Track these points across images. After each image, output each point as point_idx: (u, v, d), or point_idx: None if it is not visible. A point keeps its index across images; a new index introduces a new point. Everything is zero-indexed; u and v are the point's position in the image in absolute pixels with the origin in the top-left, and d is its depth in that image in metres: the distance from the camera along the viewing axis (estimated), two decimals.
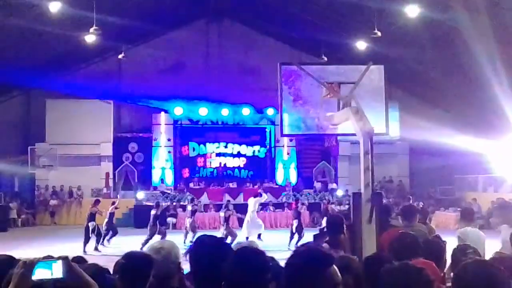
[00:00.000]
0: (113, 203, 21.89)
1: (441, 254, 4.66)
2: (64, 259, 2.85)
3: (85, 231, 19.36)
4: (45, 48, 27.29)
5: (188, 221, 21.43)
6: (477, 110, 26.79)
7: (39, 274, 2.78)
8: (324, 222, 20.17)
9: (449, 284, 4.22)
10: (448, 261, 5.02)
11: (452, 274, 2.93)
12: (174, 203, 28.06)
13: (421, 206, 20.24)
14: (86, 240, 19.24)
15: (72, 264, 2.88)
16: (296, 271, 2.73)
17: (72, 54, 29.87)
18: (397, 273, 3.00)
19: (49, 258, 2.84)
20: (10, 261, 3.98)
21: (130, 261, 3.67)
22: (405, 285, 2.89)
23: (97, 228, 19.77)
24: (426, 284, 2.93)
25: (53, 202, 30.00)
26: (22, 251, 14.43)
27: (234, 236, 18.68)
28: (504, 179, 27.26)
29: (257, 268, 2.98)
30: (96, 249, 19.27)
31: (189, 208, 22.24)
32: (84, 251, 18.22)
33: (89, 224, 19.53)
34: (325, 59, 26.90)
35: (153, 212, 19.91)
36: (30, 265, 2.79)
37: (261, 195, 22.94)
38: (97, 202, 21.19)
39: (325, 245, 6.67)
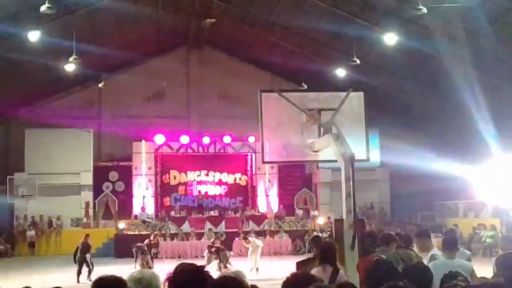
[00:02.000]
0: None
1: (428, 281, 4.58)
2: None
3: (80, 262, 19.06)
4: (24, 77, 27.12)
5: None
6: (457, 135, 27.06)
7: None
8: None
9: None
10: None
11: None
12: (155, 232, 27.80)
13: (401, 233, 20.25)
14: (79, 271, 18.97)
15: None
16: None
17: (51, 83, 29.74)
18: None
19: None
20: None
21: (100, 285, 3.58)
22: None
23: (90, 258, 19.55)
24: None
25: (31, 232, 29.54)
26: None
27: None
28: (484, 204, 27.43)
29: None
30: (89, 278, 18.96)
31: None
32: (78, 281, 18.20)
33: (86, 256, 19.26)
34: (305, 86, 27.10)
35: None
36: None
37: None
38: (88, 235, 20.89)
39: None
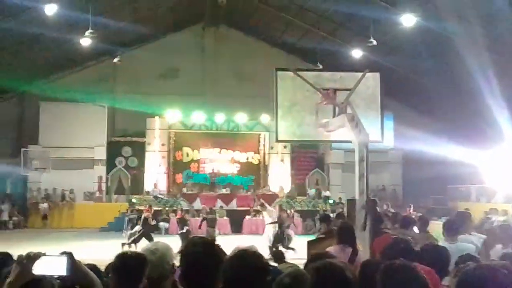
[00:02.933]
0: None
1: (445, 262, 4.58)
2: (69, 254, 2.81)
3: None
4: (40, 51, 27.23)
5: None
6: (470, 120, 26.88)
7: (42, 268, 2.73)
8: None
9: None
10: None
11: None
12: (167, 208, 27.99)
13: (419, 215, 20.20)
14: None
15: (77, 261, 2.83)
16: None
17: (67, 57, 29.86)
18: (396, 271, 3.04)
19: (53, 254, 2.80)
20: (6, 258, 3.95)
21: (123, 261, 3.63)
22: (399, 282, 2.93)
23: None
24: (420, 285, 2.96)
25: (44, 205, 29.83)
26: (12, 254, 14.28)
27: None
28: (496, 189, 27.31)
29: (255, 270, 2.98)
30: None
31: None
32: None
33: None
34: (321, 66, 26.92)
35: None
36: (33, 258, 2.75)
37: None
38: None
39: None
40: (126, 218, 21.35)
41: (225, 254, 3.28)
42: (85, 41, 24.36)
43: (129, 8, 27.00)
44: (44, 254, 2.79)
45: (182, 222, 20.88)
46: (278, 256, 10.05)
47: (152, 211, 21.31)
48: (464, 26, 20.33)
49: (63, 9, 21.14)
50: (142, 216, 19.86)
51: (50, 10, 20.60)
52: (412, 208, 26.35)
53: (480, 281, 2.54)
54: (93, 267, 3.54)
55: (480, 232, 8.76)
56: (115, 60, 30.19)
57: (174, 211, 27.49)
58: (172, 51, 31.77)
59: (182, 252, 3.24)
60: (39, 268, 2.74)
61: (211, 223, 20.74)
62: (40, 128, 30.73)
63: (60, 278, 2.75)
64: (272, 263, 9.61)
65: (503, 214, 24.65)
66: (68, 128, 30.27)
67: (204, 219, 21.83)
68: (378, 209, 12.80)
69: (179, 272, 3.21)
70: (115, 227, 26.53)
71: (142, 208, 22.14)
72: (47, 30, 23.10)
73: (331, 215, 25.64)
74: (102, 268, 4.62)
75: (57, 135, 30.13)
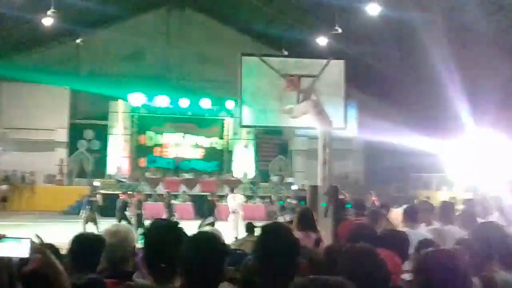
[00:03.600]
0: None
1: (404, 246, 4.68)
2: (30, 239, 2.79)
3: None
4: (1, 31, 26.62)
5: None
6: (433, 110, 27.23)
7: (3, 250, 2.70)
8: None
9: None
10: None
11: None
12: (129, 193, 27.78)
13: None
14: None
15: (39, 245, 2.80)
16: None
17: (29, 37, 29.25)
18: (356, 254, 3.09)
19: (14, 236, 2.78)
20: None
21: (80, 242, 3.62)
22: (360, 264, 2.97)
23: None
24: (379, 267, 3.03)
25: (3, 187, 29.33)
26: None
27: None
28: (457, 178, 27.79)
29: (213, 252, 3.00)
30: None
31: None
32: None
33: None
34: (286, 53, 26.94)
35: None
36: None
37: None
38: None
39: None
40: (86, 200, 21.11)
41: (186, 235, 3.28)
42: (47, 21, 23.85)
43: None
44: (4, 236, 2.76)
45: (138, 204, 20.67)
46: (250, 227, 10.67)
47: (141, 197, 21.21)
48: (428, 16, 20.54)
49: None
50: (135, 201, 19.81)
51: None
52: (373, 196, 26.67)
53: (437, 265, 2.58)
54: (50, 247, 3.50)
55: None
56: (78, 41, 29.70)
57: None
58: (137, 33, 31.39)
59: (145, 234, 3.24)
60: (2, 250, 2.71)
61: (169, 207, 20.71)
62: (1, 109, 30.16)
63: (22, 260, 2.72)
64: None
65: (463, 203, 25.06)
66: (30, 110, 29.77)
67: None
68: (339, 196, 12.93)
69: (141, 254, 3.20)
70: (76, 210, 26.22)
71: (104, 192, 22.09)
72: (7, 9, 22.59)
73: (294, 201, 25.91)
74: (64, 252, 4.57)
75: (18, 117, 29.63)
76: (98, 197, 20.88)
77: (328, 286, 2.14)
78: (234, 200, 20.53)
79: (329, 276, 2.23)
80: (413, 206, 8.03)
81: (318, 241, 6.51)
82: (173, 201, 22.36)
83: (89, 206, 20.28)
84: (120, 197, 20.41)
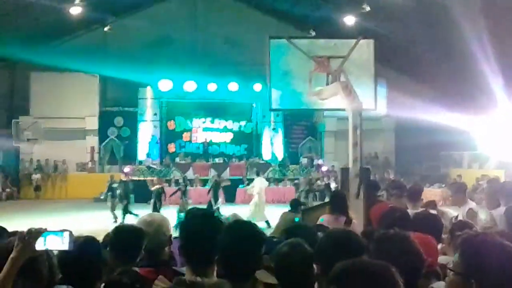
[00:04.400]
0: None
1: (438, 229, 4.61)
2: (69, 232, 2.82)
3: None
4: (29, 20, 26.85)
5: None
6: (464, 86, 26.83)
7: (48, 244, 2.73)
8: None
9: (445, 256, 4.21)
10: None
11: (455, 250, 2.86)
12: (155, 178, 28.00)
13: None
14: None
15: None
16: None
17: (57, 26, 29.45)
18: (389, 240, 3.03)
19: (54, 229, 2.80)
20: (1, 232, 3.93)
21: (120, 234, 3.63)
22: (394, 251, 2.92)
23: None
24: (413, 254, 3.00)
25: (37, 176, 29.77)
26: (4, 225, 14.24)
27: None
28: (488, 156, 27.43)
29: (251, 240, 3.01)
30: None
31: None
32: None
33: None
34: (313, 33, 26.73)
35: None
36: (35, 234, 2.74)
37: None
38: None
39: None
40: (108, 186, 21.35)
41: (222, 224, 3.27)
42: (75, 10, 24.06)
43: None
44: (45, 230, 2.79)
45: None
46: (296, 204, 10.83)
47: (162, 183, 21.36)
48: None
49: None
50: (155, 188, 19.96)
51: None
52: (390, 174, 26.57)
53: (488, 248, 2.52)
54: (91, 238, 3.51)
55: (471, 198, 8.79)
56: (106, 28, 29.85)
57: (168, 181, 27.49)
58: (163, 19, 31.44)
59: (181, 224, 3.23)
60: (41, 244, 2.74)
61: (184, 194, 20.57)
62: (31, 99, 30.53)
63: (61, 252, 2.75)
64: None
65: (487, 182, 24.70)
66: (59, 98, 30.09)
67: (178, 189, 21.45)
68: (371, 177, 12.84)
69: (177, 243, 3.19)
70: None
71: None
72: None
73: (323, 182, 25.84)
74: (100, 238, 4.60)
75: (48, 106, 29.95)
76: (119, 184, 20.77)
77: (372, 269, 2.11)
78: (261, 184, 20.32)
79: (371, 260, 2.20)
80: (416, 187, 7.95)
81: (347, 225, 6.48)
82: (189, 187, 22.30)
83: (110, 193, 20.51)
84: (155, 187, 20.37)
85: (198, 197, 26.55)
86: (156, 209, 18.81)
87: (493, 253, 2.48)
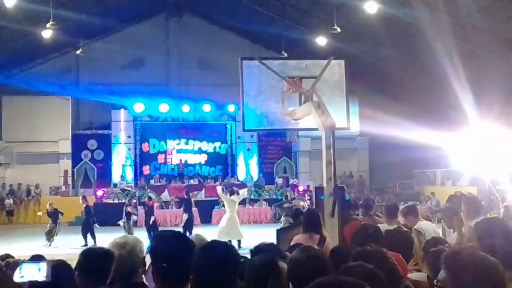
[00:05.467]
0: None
1: (409, 246, 4.67)
2: (47, 261, 2.81)
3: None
4: (1, 44, 26.67)
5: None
6: (436, 104, 27.21)
7: (26, 275, 2.71)
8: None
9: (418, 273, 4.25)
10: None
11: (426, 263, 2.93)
12: (135, 201, 27.78)
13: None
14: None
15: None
16: None
17: (28, 49, 29.28)
18: (366, 257, 3.07)
19: (34, 260, 2.79)
20: None
21: (88, 257, 3.61)
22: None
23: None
24: (392, 270, 3.03)
25: (9, 201, 29.36)
26: None
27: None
28: (461, 172, 27.73)
29: (227, 261, 2.98)
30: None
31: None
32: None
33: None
34: (286, 54, 26.93)
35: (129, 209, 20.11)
36: (13, 265, 2.72)
37: (236, 193, 21.06)
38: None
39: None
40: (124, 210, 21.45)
41: (195, 246, 3.26)
42: (47, 33, 23.93)
43: None
44: (23, 261, 2.77)
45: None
46: (297, 213, 10.67)
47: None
48: (428, 12, 20.51)
49: (23, 1, 20.72)
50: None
51: (10, 2, 20.13)
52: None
53: (473, 265, 2.58)
54: (62, 263, 3.49)
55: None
56: (78, 51, 29.70)
57: (142, 203, 27.26)
58: (136, 42, 31.42)
59: (152, 247, 3.22)
60: (19, 275, 2.71)
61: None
62: (3, 123, 30.21)
63: (37, 283, 2.74)
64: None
65: (447, 200, 24.99)
66: (32, 122, 29.80)
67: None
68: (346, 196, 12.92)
69: (151, 267, 3.18)
70: (82, 221, 26.24)
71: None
72: (6, 22, 22.65)
73: (302, 203, 25.86)
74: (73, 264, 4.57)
75: (20, 130, 29.63)
76: (132, 210, 21.44)
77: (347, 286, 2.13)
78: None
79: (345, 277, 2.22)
80: (392, 204, 8.25)
81: (321, 243, 6.51)
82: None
83: (126, 216, 20.64)
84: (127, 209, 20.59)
85: (174, 219, 26.54)
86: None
87: (478, 267, 2.56)
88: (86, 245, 19.37)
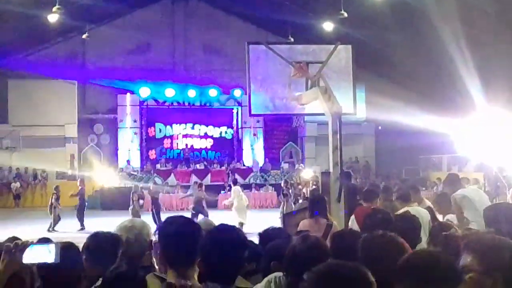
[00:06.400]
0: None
1: (418, 230, 4.68)
2: (57, 243, 2.81)
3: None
4: (7, 28, 26.63)
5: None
6: (442, 90, 27.09)
7: (31, 257, 2.71)
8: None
9: None
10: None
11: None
12: (141, 185, 27.86)
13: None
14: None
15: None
16: None
17: (35, 33, 29.23)
18: (378, 241, 3.07)
19: (42, 241, 2.79)
20: None
21: (96, 241, 3.62)
22: (383, 251, 2.96)
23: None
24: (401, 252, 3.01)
25: (16, 184, 29.48)
26: None
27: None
28: (468, 158, 27.65)
29: (235, 245, 3.02)
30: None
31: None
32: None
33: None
34: (292, 39, 26.81)
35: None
36: (21, 247, 2.72)
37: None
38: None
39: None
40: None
41: (201, 230, 3.27)
42: (53, 17, 23.88)
43: None
44: (32, 243, 2.77)
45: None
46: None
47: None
48: None
49: None
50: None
51: None
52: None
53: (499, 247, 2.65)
54: (70, 245, 3.51)
55: None
56: (84, 36, 29.64)
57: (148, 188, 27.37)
58: (142, 26, 31.37)
59: (160, 230, 3.23)
60: (28, 257, 2.72)
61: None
62: (9, 107, 30.21)
63: (46, 264, 2.74)
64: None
65: (474, 182, 24.93)
66: (38, 106, 29.80)
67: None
68: (352, 181, 12.93)
69: (158, 249, 3.20)
70: (89, 205, 26.38)
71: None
72: (13, 6, 22.59)
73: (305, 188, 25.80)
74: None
75: (27, 114, 29.67)
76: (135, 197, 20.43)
77: (344, 271, 2.13)
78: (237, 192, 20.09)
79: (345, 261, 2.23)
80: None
81: (328, 228, 6.49)
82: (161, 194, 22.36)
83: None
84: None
85: (180, 204, 26.61)
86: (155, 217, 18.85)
87: (505, 248, 2.62)
88: (83, 228, 19.64)
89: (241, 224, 18.03)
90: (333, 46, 10.93)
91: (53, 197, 20.38)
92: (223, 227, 3.17)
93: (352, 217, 7.30)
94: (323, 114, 10.07)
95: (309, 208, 7.10)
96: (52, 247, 2.75)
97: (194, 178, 28.84)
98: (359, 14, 24.67)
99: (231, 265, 2.97)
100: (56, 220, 19.84)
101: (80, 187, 21.31)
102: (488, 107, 21.86)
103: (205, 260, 2.95)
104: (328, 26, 25.77)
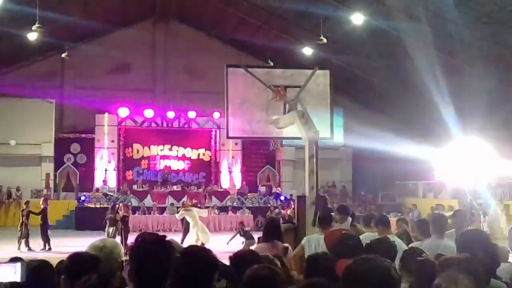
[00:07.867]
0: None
1: (393, 255, 4.69)
2: (21, 261, 2.79)
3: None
4: None
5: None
6: (419, 117, 27.40)
7: (1, 275, 2.70)
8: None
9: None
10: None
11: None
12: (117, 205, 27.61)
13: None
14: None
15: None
16: None
17: (13, 51, 29.02)
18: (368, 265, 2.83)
19: (12, 261, 2.77)
20: None
21: (76, 262, 3.59)
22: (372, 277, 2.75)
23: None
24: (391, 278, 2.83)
25: None
26: None
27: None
28: (443, 185, 27.91)
29: (205, 265, 3.00)
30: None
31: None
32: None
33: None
34: (272, 63, 27.00)
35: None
36: None
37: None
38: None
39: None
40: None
41: (175, 250, 3.27)
42: (32, 36, 23.78)
43: (77, 2, 26.49)
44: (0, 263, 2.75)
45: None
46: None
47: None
48: (413, 24, 20.68)
49: (9, 2, 20.60)
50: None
51: None
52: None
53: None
54: (43, 264, 3.47)
55: None
56: (63, 55, 29.52)
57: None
58: (122, 46, 31.31)
59: (132, 248, 3.22)
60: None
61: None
62: None
63: (16, 284, 2.72)
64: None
65: (449, 209, 25.15)
66: (15, 124, 29.51)
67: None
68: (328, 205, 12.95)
69: (129, 268, 3.18)
70: (63, 225, 26.11)
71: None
72: None
73: (283, 211, 25.86)
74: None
75: (3, 131, 29.37)
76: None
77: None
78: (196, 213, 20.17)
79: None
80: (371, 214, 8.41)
81: (286, 250, 6.55)
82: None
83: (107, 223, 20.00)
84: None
85: (156, 225, 26.47)
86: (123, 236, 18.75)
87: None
88: (44, 249, 19.54)
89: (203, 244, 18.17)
90: (311, 70, 11.03)
91: (23, 213, 20.04)
92: (193, 248, 3.17)
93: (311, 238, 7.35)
94: (300, 138, 10.12)
95: (263, 232, 7.14)
96: (18, 266, 2.73)
97: (170, 200, 28.73)
98: (338, 40, 24.96)
99: (201, 287, 2.95)
100: (25, 236, 19.49)
101: (43, 206, 20.77)
102: (463, 135, 22.18)
103: (174, 281, 2.93)
104: (307, 51, 26.02)
